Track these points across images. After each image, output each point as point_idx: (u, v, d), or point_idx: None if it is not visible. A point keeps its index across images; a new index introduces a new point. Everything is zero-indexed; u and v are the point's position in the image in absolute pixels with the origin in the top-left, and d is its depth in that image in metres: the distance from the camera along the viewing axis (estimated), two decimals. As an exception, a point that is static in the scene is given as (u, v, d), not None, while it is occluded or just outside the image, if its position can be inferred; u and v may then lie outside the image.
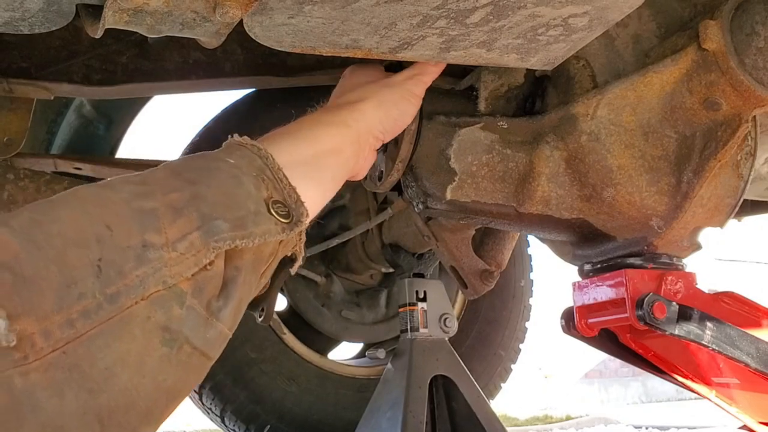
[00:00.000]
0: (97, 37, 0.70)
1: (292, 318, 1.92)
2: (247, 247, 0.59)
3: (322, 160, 0.75)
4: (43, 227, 0.50)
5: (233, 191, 0.61)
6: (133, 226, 0.53)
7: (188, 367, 0.54)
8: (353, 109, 0.83)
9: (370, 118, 0.84)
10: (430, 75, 0.93)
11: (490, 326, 2.10)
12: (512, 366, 2.16)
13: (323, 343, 1.97)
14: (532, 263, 2.23)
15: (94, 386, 0.46)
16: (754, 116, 0.97)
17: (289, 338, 1.82)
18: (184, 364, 0.53)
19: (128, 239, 0.52)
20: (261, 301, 1.33)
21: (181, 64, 1.43)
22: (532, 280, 2.22)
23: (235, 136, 0.69)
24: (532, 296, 2.21)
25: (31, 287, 0.46)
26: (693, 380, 1.10)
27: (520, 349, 2.18)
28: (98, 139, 1.76)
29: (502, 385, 2.15)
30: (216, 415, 1.78)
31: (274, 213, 0.63)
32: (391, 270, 1.78)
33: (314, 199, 0.71)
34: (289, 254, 0.69)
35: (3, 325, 0.43)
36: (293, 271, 0.71)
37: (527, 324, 2.19)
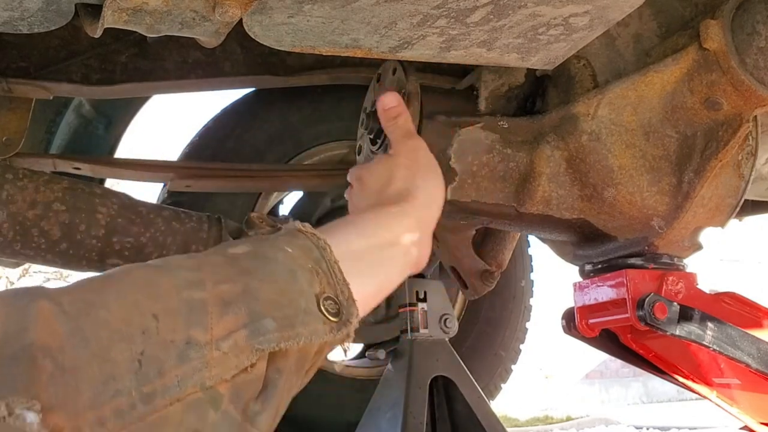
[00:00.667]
0: (96, 36, 0.70)
1: (292, 318, 1.91)
2: (292, 349, 0.57)
3: (380, 253, 0.72)
4: (92, 313, 0.48)
5: (286, 287, 0.58)
6: (180, 319, 0.51)
7: None
8: (408, 197, 0.80)
9: (426, 203, 0.82)
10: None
11: (490, 327, 2.10)
12: (513, 366, 2.16)
13: (323, 343, 1.96)
14: (532, 263, 2.23)
15: None
16: (755, 116, 0.96)
17: (289, 338, 1.81)
18: None
19: (173, 333, 0.50)
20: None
21: (180, 63, 1.43)
22: (532, 281, 2.22)
23: (297, 222, 0.67)
24: (532, 296, 2.21)
25: (68, 380, 0.44)
26: (694, 381, 1.10)
27: (520, 350, 2.18)
28: (97, 138, 1.76)
29: (502, 385, 2.15)
30: (216, 415, 1.77)
31: (323, 311, 0.60)
32: (391, 270, 1.78)
33: (368, 294, 0.69)
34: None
35: (35, 419, 0.41)
36: (338, 369, 0.69)
37: (528, 324, 2.19)
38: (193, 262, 0.57)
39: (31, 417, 0.41)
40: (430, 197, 0.83)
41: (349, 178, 0.90)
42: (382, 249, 0.72)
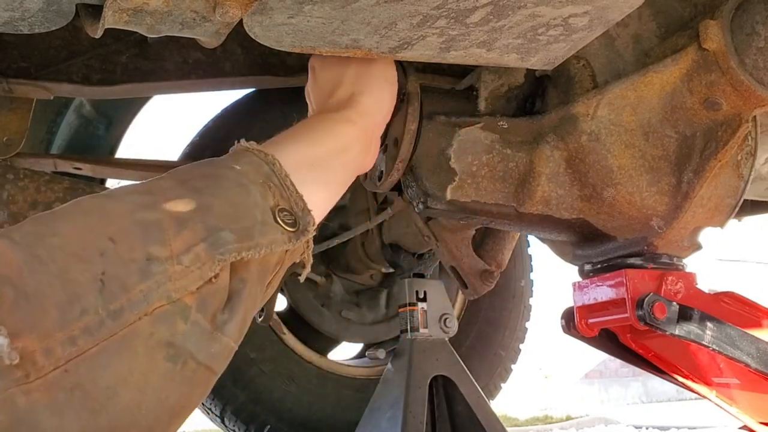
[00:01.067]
0: (96, 36, 0.70)
1: (292, 318, 1.92)
2: (253, 258, 0.58)
3: (329, 161, 0.74)
4: (46, 240, 0.49)
5: (240, 201, 0.59)
6: (137, 239, 0.52)
7: (192, 383, 0.53)
8: (353, 104, 0.81)
9: (371, 110, 0.83)
10: None
11: (490, 326, 2.10)
12: (512, 366, 2.16)
13: (323, 343, 1.97)
14: (532, 263, 2.23)
15: (95, 405, 0.45)
16: (755, 116, 0.97)
17: (289, 338, 1.82)
18: (188, 380, 0.52)
19: (132, 252, 0.51)
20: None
21: (180, 63, 1.43)
22: (532, 280, 2.22)
23: (242, 141, 0.68)
24: (532, 296, 2.21)
25: (33, 304, 0.45)
26: (693, 380, 1.10)
27: (520, 349, 2.18)
28: (98, 139, 1.76)
29: (502, 385, 2.15)
30: (216, 415, 1.77)
31: (280, 222, 0.61)
32: (391, 270, 1.78)
33: (322, 203, 0.70)
34: (297, 261, 0.68)
35: (5, 343, 0.42)
36: (302, 278, 0.69)
37: (527, 324, 2.19)
38: (143, 187, 0.57)
39: None
40: (376, 104, 0.84)
41: (309, 65, 0.90)
42: (330, 157, 0.74)
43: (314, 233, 0.66)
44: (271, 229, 0.60)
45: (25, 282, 0.45)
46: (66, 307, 0.46)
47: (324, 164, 0.73)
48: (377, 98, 0.84)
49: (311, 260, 0.69)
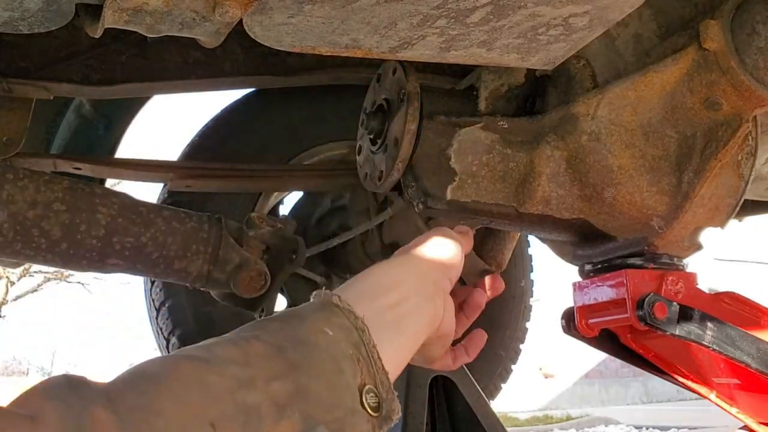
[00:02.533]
0: (96, 36, 0.70)
1: (292, 318, 1.91)
2: None
3: (403, 317, 0.69)
4: (150, 422, 0.47)
5: (334, 382, 0.57)
6: (237, 427, 0.50)
7: None
8: (408, 254, 0.77)
9: (428, 256, 0.77)
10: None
11: (490, 326, 2.10)
12: (512, 366, 2.16)
13: (323, 343, 1.96)
14: (532, 263, 2.23)
15: None
16: (755, 116, 0.96)
17: (289, 338, 1.81)
18: None
19: None
20: (261, 301, 1.33)
21: (180, 63, 1.43)
22: (532, 280, 2.22)
23: (328, 293, 0.65)
24: (532, 296, 2.21)
25: None
26: (693, 381, 1.10)
27: (520, 350, 2.17)
28: (98, 138, 1.76)
29: (502, 385, 2.15)
30: (216, 415, 1.77)
31: (366, 406, 0.59)
32: (392, 270, 1.78)
33: (400, 360, 0.67)
34: None
35: None
36: None
37: (527, 324, 2.19)
38: (238, 353, 0.55)
39: None
40: (436, 250, 0.78)
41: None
42: (392, 310, 0.68)
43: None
44: (359, 418, 0.58)
45: None
46: None
47: (395, 320, 0.68)
48: (435, 248, 0.79)
49: None
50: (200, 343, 0.57)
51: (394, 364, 0.65)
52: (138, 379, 0.50)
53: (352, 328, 0.62)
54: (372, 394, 0.60)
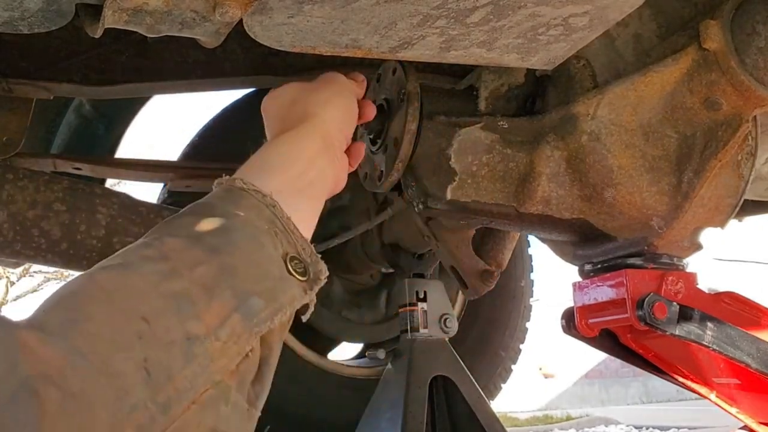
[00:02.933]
0: (96, 36, 0.70)
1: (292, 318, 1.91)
2: (281, 322, 0.56)
3: (309, 183, 0.71)
4: (80, 328, 0.45)
5: (257, 257, 0.57)
6: (171, 316, 0.48)
7: None
8: (308, 118, 0.77)
9: (327, 120, 0.79)
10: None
11: (490, 326, 2.10)
12: (512, 366, 2.16)
13: (323, 343, 1.97)
14: (532, 263, 2.23)
15: None
16: (755, 116, 0.96)
17: (289, 338, 1.81)
18: None
19: (169, 333, 0.47)
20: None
21: (180, 63, 1.43)
22: (532, 280, 2.22)
23: (227, 178, 0.65)
24: (532, 296, 2.21)
25: (80, 405, 0.41)
26: (693, 380, 1.10)
27: (520, 349, 2.18)
28: (98, 138, 1.76)
29: (502, 385, 2.15)
30: (216, 415, 1.77)
31: (293, 272, 0.59)
32: (391, 270, 1.78)
33: (310, 229, 0.69)
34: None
35: None
36: (305, 317, 0.66)
37: (527, 324, 2.19)
38: (154, 252, 0.54)
39: None
40: (333, 112, 0.80)
41: (262, 106, 0.85)
42: (307, 178, 0.71)
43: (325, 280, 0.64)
44: (289, 283, 0.58)
45: (69, 381, 0.41)
46: (115, 406, 0.42)
47: (305, 187, 0.70)
48: (332, 109, 0.80)
49: (314, 301, 0.65)
50: (113, 255, 0.55)
51: (307, 228, 0.67)
52: (58, 299, 0.49)
53: (262, 205, 0.62)
54: (296, 261, 0.61)
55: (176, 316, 0.49)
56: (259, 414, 0.54)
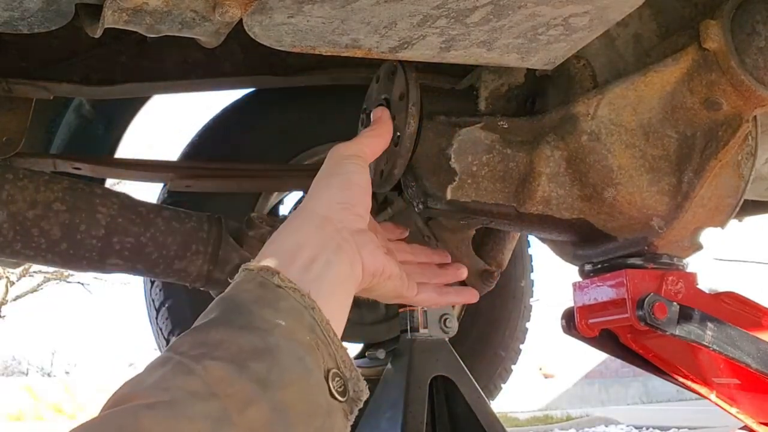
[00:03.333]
0: (96, 36, 0.70)
1: (292, 318, 1.91)
2: None
3: (320, 278, 0.63)
4: None
5: (305, 386, 0.53)
6: None
7: None
8: (305, 204, 0.71)
9: (328, 204, 0.71)
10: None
11: (490, 326, 2.10)
12: (512, 366, 2.16)
13: (323, 343, 1.96)
14: (532, 263, 2.23)
15: None
16: (755, 116, 0.97)
17: (289, 338, 1.81)
18: None
19: None
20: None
21: (180, 63, 1.43)
22: (532, 280, 2.22)
23: (253, 263, 0.60)
24: (532, 296, 2.21)
25: None
26: (693, 381, 1.10)
27: (520, 350, 2.18)
28: (97, 138, 1.76)
29: (502, 385, 2.15)
30: (216, 415, 1.77)
31: (335, 394, 0.55)
32: (391, 270, 1.78)
33: (341, 330, 0.63)
34: None
35: None
36: None
37: (528, 324, 2.19)
38: (199, 383, 0.49)
39: None
40: (328, 196, 0.72)
41: None
42: (312, 267, 0.63)
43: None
44: (335, 418, 0.54)
45: None
46: None
47: (324, 281, 0.63)
48: (328, 190, 0.73)
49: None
50: (146, 373, 0.51)
51: (340, 331, 0.61)
52: None
53: (302, 309, 0.57)
54: (337, 379, 0.56)
55: None
56: None
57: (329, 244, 0.66)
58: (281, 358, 0.53)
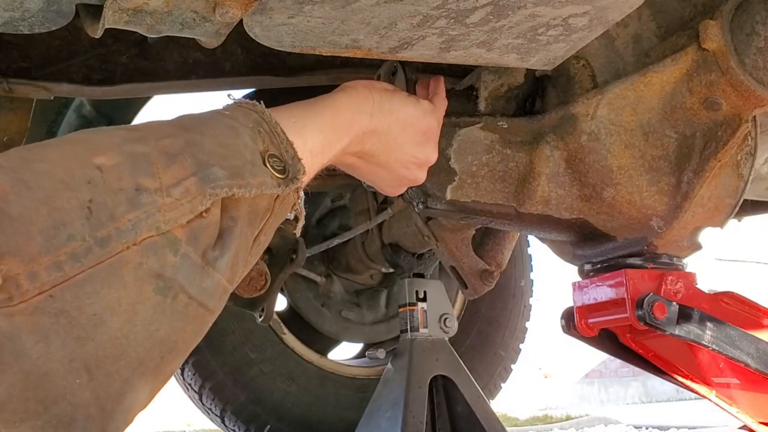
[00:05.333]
0: (96, 37, 0.70)
1: (292, 318, 1.92)
2: (244, 198, 0.57)
3: (321, 110, 0.75)
4: (32, 166, 0.47)
5: (229, 141, 0.59)
6: (125, 169, 0.50)
7: (185, 318, 0.51)
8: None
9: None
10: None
11: (490, 326, 2.10)
12: (512, 366, 2.16)
13: (323, 343, 1.97)
14: (532, 263, 2.23)
15: (81, 333, 0.44)
16: (754, 116, 0.97)
17: (289, 338, 1.82)
18: (179, 315, 0.50)
19: (120, 182, 0.49)
20: (261, 301, 1.33)
21: (180, 63, 1.43)
22: (532, 280, 2.22)
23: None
24: (532, 296, 2.21)
25: (17, 227, 0.43)
26: (693, 380, 1.10)
27: (520, 349, 2.18)
28: (98, 139, 1.76)
29: (502, 385, 2.15)
30: (216, 415, 1.77)
31: (269, 167, 0.60)
32: (391, 270, 1.78)
33: (314, 149, 0.70)
34: (290, 216, 0.67)
35: None
36: (297, 231, 0.69)
37: (527, 324, 2.19)
38: (132, 126, 0.57)
39: None
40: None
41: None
42: (319, 107, 0.75)
43: (304, 184, 0.65)
44: (260, 171, 0.59)
45: (10, 205, 0.44)
46: (52, 233, 0.44)
47: (314, 112, 0.73)
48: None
49: (304, 212, 0.67)
50: None
51: (310, 155, 0.68)
52: (27, 145, 0.51)
53: (251, 111, 0.64)
54: (276, 159, 0.62)
55: (131, 170, 0.51)
56: (222, 280, 0.55)
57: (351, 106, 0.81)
58: (210, 122, 0.60)
